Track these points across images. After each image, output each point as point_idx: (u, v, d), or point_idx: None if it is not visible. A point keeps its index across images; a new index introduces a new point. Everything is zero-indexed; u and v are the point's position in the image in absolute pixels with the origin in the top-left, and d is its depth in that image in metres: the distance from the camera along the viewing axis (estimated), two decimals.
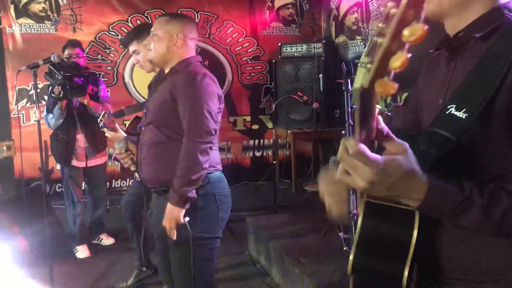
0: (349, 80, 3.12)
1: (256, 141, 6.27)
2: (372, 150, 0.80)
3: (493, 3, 1.03)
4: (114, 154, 3.10)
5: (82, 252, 4.00)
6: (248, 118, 6.21)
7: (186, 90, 2.13)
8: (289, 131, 5.37)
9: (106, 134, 2.75)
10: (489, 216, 0.87)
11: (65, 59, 3.84)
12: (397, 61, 0.69)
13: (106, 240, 4.27)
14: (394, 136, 0.85)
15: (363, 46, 5.22)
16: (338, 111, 5.40)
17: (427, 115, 1.14)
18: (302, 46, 5.49)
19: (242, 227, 4.10)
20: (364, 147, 0.77)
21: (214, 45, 5.90)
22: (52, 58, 3.01)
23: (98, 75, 4.23)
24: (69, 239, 4.08)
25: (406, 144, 0.84)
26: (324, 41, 5.43)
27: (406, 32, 0.68)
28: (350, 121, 3.01)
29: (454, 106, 0.95)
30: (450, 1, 1.04)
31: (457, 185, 0.88)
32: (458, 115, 0.93)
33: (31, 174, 5.23)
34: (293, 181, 5.59)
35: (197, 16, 5.76)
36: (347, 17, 5.64)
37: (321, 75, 5.31)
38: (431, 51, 1.18)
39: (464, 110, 0.93)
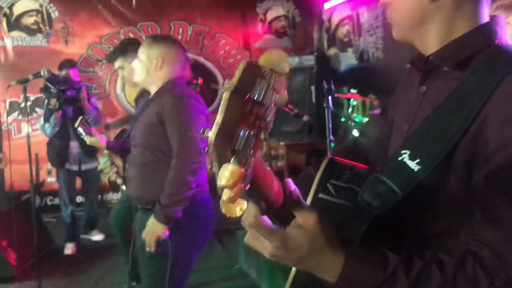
0: (329, 97, 3.14)
1: None
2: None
3: (461, 24, 0.91)
4: (98, 168, 3.13)
5: (68, 249, 4.29)
6: None
7: (173, 112, 2.16)
8: (281, 143, 5.37)
9: (84, 139, 2.84)
10: None
11: (57, 75, 4.15)
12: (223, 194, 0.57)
13: (97, 236, 4.59)
14: (304, 203, 0.77)
15: (355, 58, 5.26)
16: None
17: (393, 138, 1.06)
18: (294, 58, 5.52)
19: (233, 240, 4.08)
20: (263, 219, 0.70)
21: (207, 58, 5.92)
22: (42, 73, 3.06)
23: (88, 89, 4.33)
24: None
25: (315, 215, 0.74)
26: (315, 54, 5.48)
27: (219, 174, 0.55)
28: (332, 137, 3.06)
29: (408, 153, 0.85)
30: (407, 28, 0.96)
31: (381, 260, 0.77)
32: (411, 165, 0.83)
33: (22, 187, 5.21)
34: None
35: (190, 29, 5.79)
36: (338, 29, 5.69)
37: (313, 87, 5.33)
38: (407, 66, 1.09)
39: (418, 161, 0.83)
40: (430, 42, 0.94)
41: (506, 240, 0.76)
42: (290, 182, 0.76)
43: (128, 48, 3.03)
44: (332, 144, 3.44)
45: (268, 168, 0.69)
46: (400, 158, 0.85)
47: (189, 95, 2.23)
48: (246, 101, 0.55)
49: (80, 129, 2.83)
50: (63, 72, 4.27)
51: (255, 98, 0.56)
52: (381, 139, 1.16)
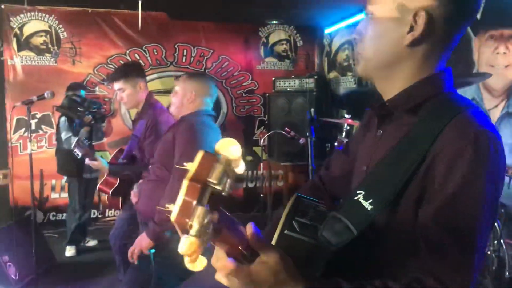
0: (312, 127, 3.47)
1: (249, 172, 6.34)
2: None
3: (422, 72, 0.98)
4: (99, 185, 3.23)
5: (70, 251, 4.67)
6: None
7: (182, 135, 2.30)
8: (281, 163, 5.46)
9: (86, 162, 2.96)
10: None
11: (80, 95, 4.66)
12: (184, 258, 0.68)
13: (91, 242, 5.00)
14: (266, 242, 0.82)
15: (354, 82, 5.37)
16: (329, 144, 5.51)
17: (354, 176, 1.13)
18: (294, 81, 5.63)
19: None
20: (229, 261, 0.76)
21: None
22: (45, 95, 3.18)
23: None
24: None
25: (277, 252, 0.80)
26: (315, 77, 5.58)
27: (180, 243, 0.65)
28: (313, 166, 3.41)
29: (363, 193, 0.92)
30: (375, 66, 1.01)
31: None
32: (364, 205, 0.90)
33: (26, 202, 5.30)
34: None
35: (194, 51, 5.93)
36: (338, 53, 5.82)
37: (312, 109, 5.41)
38: (367, 109, 1.18)
39: (371, 201, 0.90)
40: (392, 85, 1.00)
41: (449, 270, 0.84)
42: (253, 225, 0.82)
43: (129, 70, 3.15)
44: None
45: (232, 217, 0.78)
46: (356, 198, 0.92)
47: (204, 122, 2.37)
48: (203, 185, 0.66)
49: (76, 150, 2.94)
50: (70, 93, 4.63)
51: (211, 180, 0.66)
52: (343, 175, 1.23)
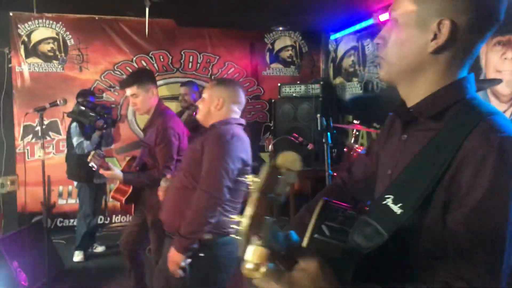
0: (329, 133, 3.43)
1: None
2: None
3: (446, 78, 1.00)
4: (112, 194, 3.25)
5: (78, 256, 4.72)
6: None
7: (211, 145, 2.25)
8: None
9: (100, 172, 2.95)
10: None
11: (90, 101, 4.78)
12: (248, 265, 0.72)
13: (99, 248, 5.05)
14: (305, 249, 0.85)
15: (359, 87, 5.39)
16: (335, 150, 5.52)
17: (378, 182, 1.15)
18: (300, 86, 5.66)
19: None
20: (272, 267, 0.78)
21: None
22: (58, 102, 3.20)
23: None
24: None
25: (316, 259, 0.82)
26: (321, 82, 5.60)
27: (248, 251, 0.71)
28: (331, 172, 3.41)
29: (392, 198, 0.94)
30: (398, 71, 1.02)
31: None
32: (394, 209, 0.92)
33: (33, 208, 5.33)
34: (291, 218, 5.64)
35: (200, 57, 5.97)
36: (344, 59, 5.84)
37: (318, 114, 5.44)
38: (390, 113, 1.19)
39: (401, 205, 0.92)
40: (416, 91, 1.02)
41: (478, 274, 0.87)
42: (293, 233, 0.84)
43: (142, 77, 3.17)
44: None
45: None
46: (384, 202, 0.94)
47: (233, 133, 2.28)
48: (270, 198, 0.73)
49: (92, 164, 2.93)
50: (80, 99, 4.75)
51: (278, 193, 0.73)
52: (366, 178, 1.26)
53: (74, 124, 4.66)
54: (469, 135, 0.90)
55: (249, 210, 0.70)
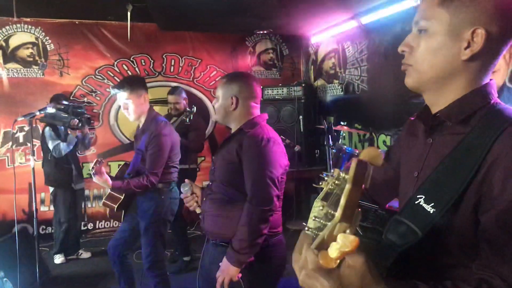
0: (330, 136, 3.34)
1: None
2: None
3: (473, 85, 1.03)
4: (104, 201, 3.24)
5: (59, 259, 4.79)
6: None
7: (250, 154, 2.13)
8: None
9: (94, 180, 2.92)
10: None
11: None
12: (335, 252, 0.76)
13: (85, 254, 5.00)
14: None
15: (340, 89, 5.49)
16: (318, 151, 5.62)
17: (403, 184, 1.18)
18: (283, 89, 5.72)
19: None
20: (320, 264, 0.81)
21: (198, 88, 6.10)
22: (47, 108, 3.18)
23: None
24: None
25: (363, 257, 0.84)
26: (303, 85, 5.68)
27: (339, 240, 0.75)
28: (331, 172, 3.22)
29: (424, 198, 0.98)
30: (429, 79, 1.05)
31: None
32: (427, 208, 0.96)
33: (13, 217, 5.22)
34: None
35: (182, 61, 5.97)
36: (325, 62, 5.93)
37: (301, 116, 5.53)
38: (412, 118, 1.21)
39: (433, 204, 0.96)
40: (443, 97, 1.05)
41: None
42: None
43: (135, 82, 3.18)
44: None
45: None
46: (417, 202, 0.98)
47: (268, 138, 2.16)
48: (360, 189, 0.77)
49: (95, 171, 2.91)
50: (52, 104, 4.63)
51: (365, 186, 0.79)
52: (385, 181, 1.30)
53: (47, 128, 4.65)
54: (499, 138, 0.94)
55: (342, 200, 0.75)
